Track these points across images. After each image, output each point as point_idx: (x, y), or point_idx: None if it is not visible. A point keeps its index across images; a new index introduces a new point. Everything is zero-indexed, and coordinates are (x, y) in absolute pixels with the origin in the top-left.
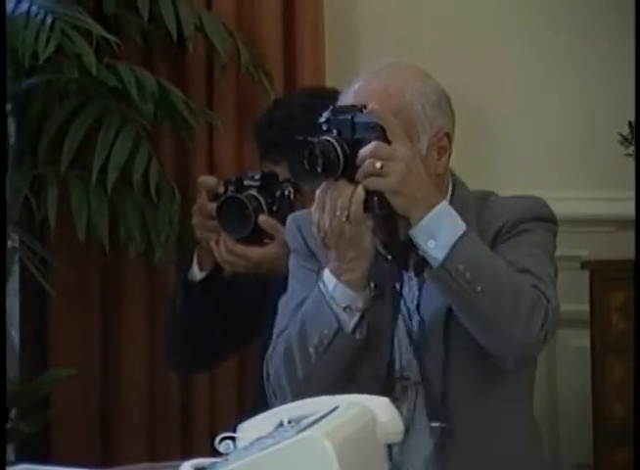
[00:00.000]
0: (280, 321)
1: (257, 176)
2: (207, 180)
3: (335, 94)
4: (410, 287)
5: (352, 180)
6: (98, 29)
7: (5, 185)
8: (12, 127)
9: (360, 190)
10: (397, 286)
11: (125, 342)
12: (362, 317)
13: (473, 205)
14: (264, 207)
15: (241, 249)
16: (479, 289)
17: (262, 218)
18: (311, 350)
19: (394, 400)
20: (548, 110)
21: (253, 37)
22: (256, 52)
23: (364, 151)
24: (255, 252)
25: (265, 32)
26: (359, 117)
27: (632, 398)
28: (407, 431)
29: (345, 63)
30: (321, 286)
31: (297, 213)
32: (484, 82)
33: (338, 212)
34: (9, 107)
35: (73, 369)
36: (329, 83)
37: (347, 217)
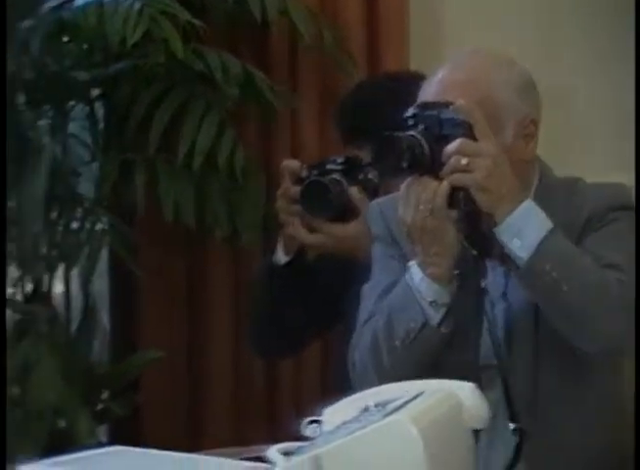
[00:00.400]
0: (364, 308)
1: (340, 160)
2: (291, 164)
3: (419, 78)
4: (495, 276)
5: (437, 176)
6: (185, 14)
7: (5, 185)
8: (100, 112)
9: (445, 186)
10: (483, 281)
11: (211, 325)
12: (448, 311)
13: (560, 191)
14: (347, 191)
15: (324, 225)
16: (565, 288)
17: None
18: (397, 342)
19: (481, 390)
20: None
21: (337, 20)
22: (340, 35)
23: (450, 147)
24: (338, 228)
25: (349, 15)
26: (446, 114)
27: (633, 398)
28: (493, 419)
29: (430, 46)
30: (408, 278)
31: (381, 199)
32: (565, 67)
33: (421, 207)
34: (97, 91)
35: (162, 352)
36: (412, 67)
37: (431, 212)
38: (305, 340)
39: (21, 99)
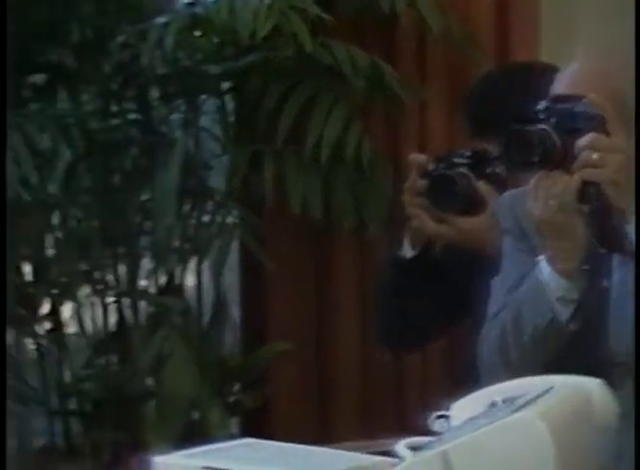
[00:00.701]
0: (493, 302)
1: (468, 153)
2: (418, 157)
3: (551, 70)
4: (627, 273)
5: (568, 171)
6: (314, 8)
7: (5, 184)
8: (230, 105)
9: (576, 180)
10: (606, 279)
11: (338, 318)
12: (577, 308)
13: None
14: (474, 184)
15: (451, 219)
16: None
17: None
18: (525, 337)
19: (611, 387)
20: None
21: (466, 11)
22: (468, 26)
23: (582, 142)
24: (465, 222)
25: (478, 6)
26: (578, 107)
27: (634, 398)
28: (622, 418)
29: (562, 38)
30: (536, 273)
31: (510, 192)
32: None
33: (551, 202)
34: (228, 85)
35: (290, 345)
36: (543, 59)
37: (560, 207)
38: (432, 333)
39: (154, 93)
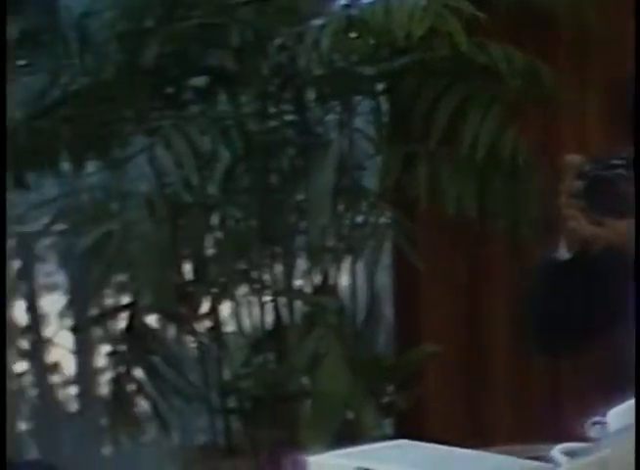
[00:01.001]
0: None
1: (626, 155)
2: (574, 159)
3: None
4: None
5: None
6: (469, 8)
7: (5, 184)
8: (385, 106)
9: None
10: None
11: (491, 320)
12: None
13: None
14: (633, 186)
15: (608, 221)
16: None
17: None
18: None
19: None
20: None
21: (626, 8)
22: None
23: None
24: (623, 224)
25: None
26: None
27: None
28: None
29: None
30: None
31: None
32: None
33: None
34: (382, 86)
35: (442, 345)
36: None
37: None
38: (587, 337)
39: (310, 95)
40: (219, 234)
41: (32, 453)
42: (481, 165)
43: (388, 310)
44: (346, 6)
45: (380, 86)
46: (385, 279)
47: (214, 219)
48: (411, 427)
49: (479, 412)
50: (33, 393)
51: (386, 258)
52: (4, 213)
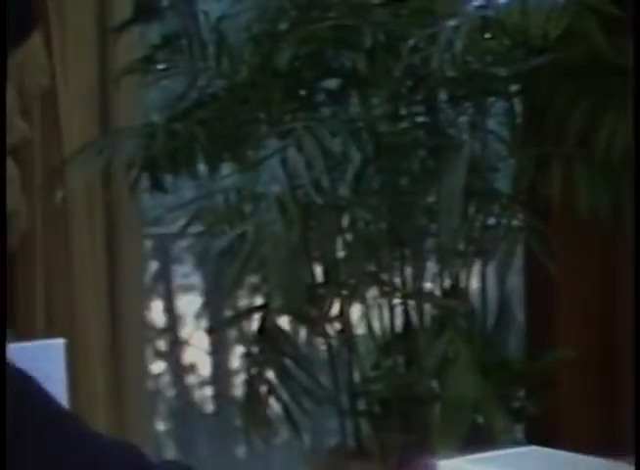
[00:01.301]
0: None
1: None
2: None
3: None
4: None
5: None
6: (608, 7)
7: (5, 183)
8: (518, 108)
9: None
10: None
11: (626, 323)
12: None
13: None
14: None
15: None
16: None
17: None
18: None
19: None
20: None
21: None
22: None
23: None
24: None
25: None
26: None
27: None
28: None
29: None
30: None
31: None
32: None
33: None
34: (516, 87)
35: (576, 350)
36: None
37: None
38: None
39: (442, 96)
40: (349, 236)
41: (169, 453)
42: (617, 167)
43: (519, 314)
44: (481, 6)
45: (514, 87)
46: (516, 282)
47: (345, 221)
48: (543, 432)
49: (614, 418)
50: (170, 393)
51: (517, 261)
52: (4, 213)
